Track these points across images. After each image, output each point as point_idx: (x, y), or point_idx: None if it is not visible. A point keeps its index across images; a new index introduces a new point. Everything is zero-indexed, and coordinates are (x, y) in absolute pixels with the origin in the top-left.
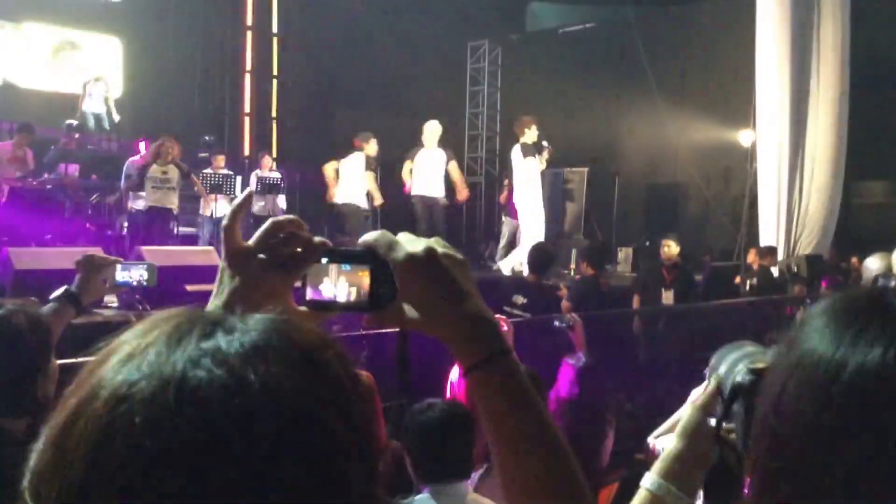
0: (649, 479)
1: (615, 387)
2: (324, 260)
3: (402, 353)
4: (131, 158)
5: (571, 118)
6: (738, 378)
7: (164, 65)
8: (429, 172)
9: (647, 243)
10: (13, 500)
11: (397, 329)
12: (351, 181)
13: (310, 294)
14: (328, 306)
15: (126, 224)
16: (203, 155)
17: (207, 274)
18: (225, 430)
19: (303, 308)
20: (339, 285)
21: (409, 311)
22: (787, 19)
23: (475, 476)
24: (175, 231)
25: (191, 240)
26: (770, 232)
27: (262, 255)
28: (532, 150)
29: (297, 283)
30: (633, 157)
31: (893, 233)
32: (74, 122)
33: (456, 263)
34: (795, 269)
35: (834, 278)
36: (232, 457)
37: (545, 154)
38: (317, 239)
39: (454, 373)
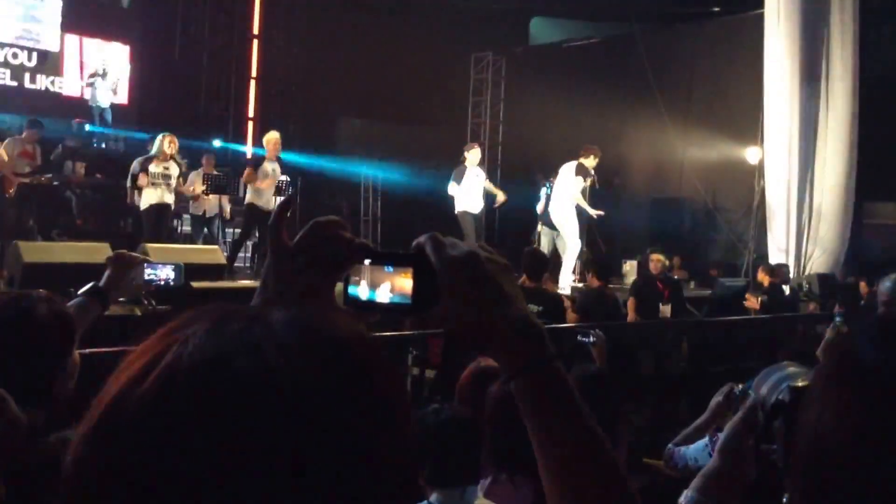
0: (687, 496)
1: (622, 398)
2: (366, 261)
3: (445, 356)
4: (138, 158)
5: (574, 131)
6: (780, 396)
7: (171, 70)
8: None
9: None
10: (27, 488)
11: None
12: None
13: (352, 295)
14: (370, 307)
15: (131, 221)
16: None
17: (212, 272)
18: (257, 420)
19: (344, 308)
20: (381, 287)
21: (453, 314)
22: (797, 38)
23: (485, 483)
24: (178, 229)
25: (189, 239)
26: (779, 250)
27: (304, 255)
28: (586, 172)
29: (339, 284)
30: (638, 170)
31: None
32: (82, 122)
33: (500, 268)
34: (808, 288)
35: (846, 299)
36: (262, 446)
37: (590, 181)
38: (359, 240)
39: (463, 376)
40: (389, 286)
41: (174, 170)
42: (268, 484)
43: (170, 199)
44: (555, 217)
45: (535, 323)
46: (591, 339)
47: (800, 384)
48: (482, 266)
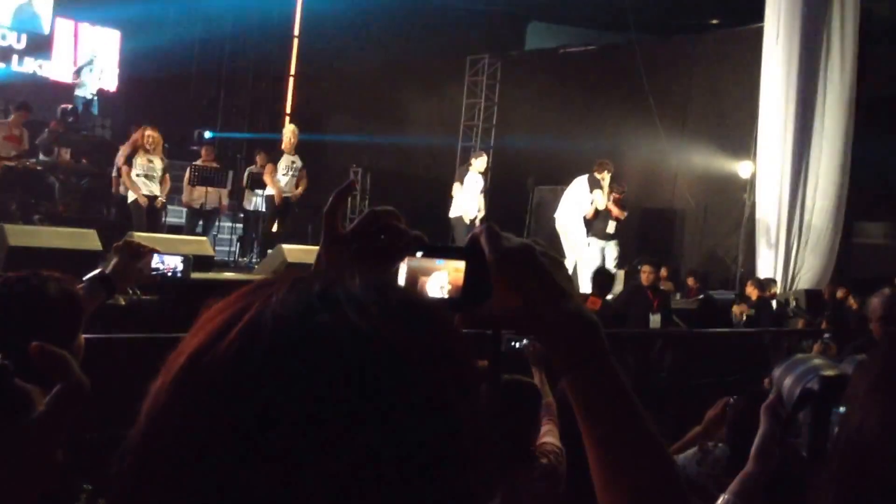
0: (725, 499)
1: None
2: (419, 254)
3: (496, 352)
4: (122, 148)
5: (568, 138)
6: (808, 385)
7: (161, 58)
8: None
9: (638, 266)
10: None
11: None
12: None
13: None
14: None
15: (114, 210)
16: (194, 148)
17: (199, 264)
18: (339, 375)
19: None
20: (432, 280)
21: (505, 309)
22: (795, 55)
23: None
24: (163, 220)
25: (177, 230)
26: (768, 264)
27: (357, 244)
28: (598, 185)
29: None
30: (630, 179)
31: (891, 274)
32: (69, 107)
33: (554, 263)
34: (795, 303)
35: (834, 317)
36: (342, 401)
37: (605, 194)
38: (414, 232)
39: None
40: (441, 280)
41: (158, 163)
42: (345, 438)
43: (156, 189)
44: (559, 224)
45: (591, 317)
46: (520, 346)
47: (830, 373)
48: (536, 259)
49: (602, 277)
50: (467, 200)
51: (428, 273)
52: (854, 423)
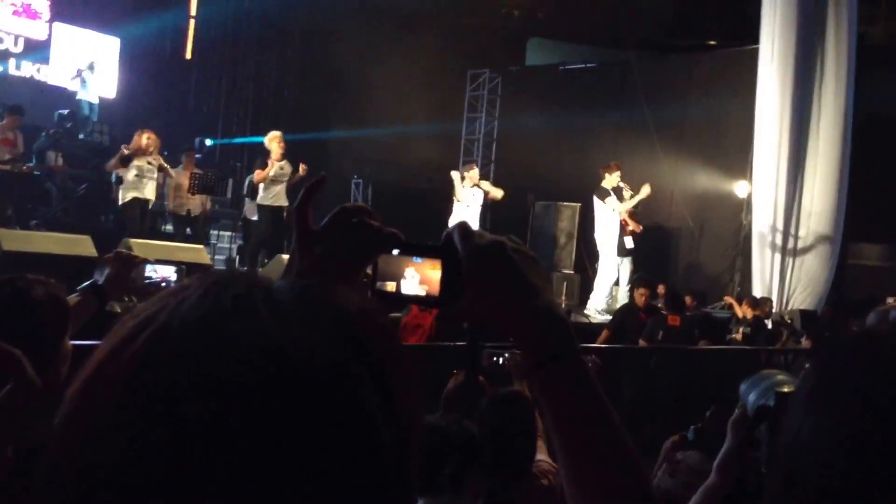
0: None
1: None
2: (395, 251)
3: (472, 351)
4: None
5: (566, 153)
6: (765, 401)
7: (160, 65)
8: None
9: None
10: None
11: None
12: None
13: (378, 285)
14: (396, 298)
15: (112, 217)
16: (197, 157)
17: (196, 272)
18: (246, 387)
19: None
20: (408, 278)
21: (479, 306)
22: (790, 76)
23: None
24: (161, 228)
25: (156, 231)
26: (763, 284)
27: (329, 241)
28: (606, 193)
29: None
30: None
31: (886, 296)
32: (66, 112)
33: (526, 259)
34: (790, 322)
35: (821, 335)
36: (247, 415)
37: (627, 195)
38: (388, 229)
39: (449, 385)
40: (417, 278)
41: (155, 166)
42: (249, 453)
43: (151, 194)
44: (599, 247)
45: (561, 315)
46: (503, 360)
47: (786, 390)
48: (508, 256)
49: (675, 298)
50: (467, 214)
51: (403, 270)
52: (791, 430)
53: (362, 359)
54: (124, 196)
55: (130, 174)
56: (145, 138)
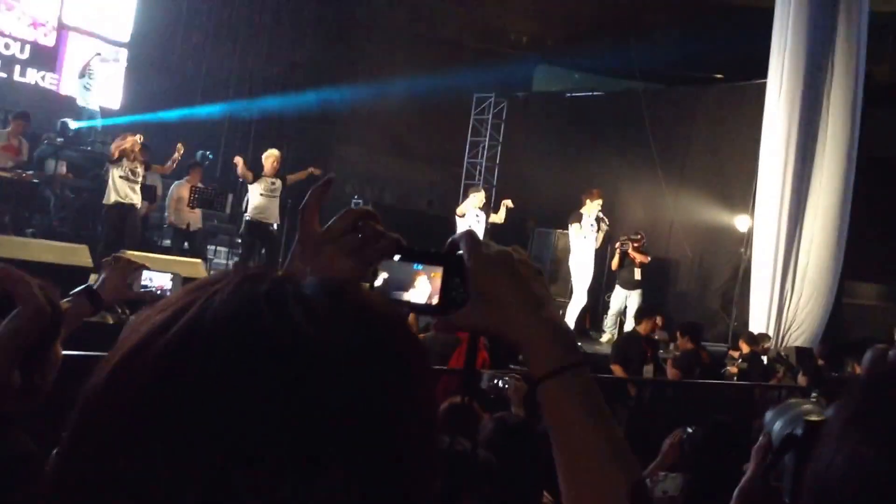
0: None
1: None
2: (396, 257)
3: (470, 359)
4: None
5: (569, 181)
6: (793, 430)
7: (167, 75)
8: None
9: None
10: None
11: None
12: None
13: (377, 290)
14: (396, 304)
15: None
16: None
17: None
18: (276, 380)
19: None
20: (409, 284)
21: (482, 315)
22: (797, 112)
23: None
24: (159, 242)
25: (153, 243)
26: (760, 319)
27: (332, 244)
28: (578, 218)
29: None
30: (628, 226)
31: (882, 336)
32: (69, 121)
33: (532, 272)
34: (786, 357)
35: (817, 374)
36: (279, 406)
37: (602, 227)
38: (391, 234)
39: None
40: (417, 284)
41: (140, 170)
42: (280, 444)
43: (136, 199)
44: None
45: (566, 328)
46: (504, 384)
47: (815, 419)
48: (514, 267)
49: (693, 328)
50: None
51: (410, 277)
52: (824, 459)
53: (388, 355)
54: (107, 199)
55: (116, 175)
56: (129, 141)
